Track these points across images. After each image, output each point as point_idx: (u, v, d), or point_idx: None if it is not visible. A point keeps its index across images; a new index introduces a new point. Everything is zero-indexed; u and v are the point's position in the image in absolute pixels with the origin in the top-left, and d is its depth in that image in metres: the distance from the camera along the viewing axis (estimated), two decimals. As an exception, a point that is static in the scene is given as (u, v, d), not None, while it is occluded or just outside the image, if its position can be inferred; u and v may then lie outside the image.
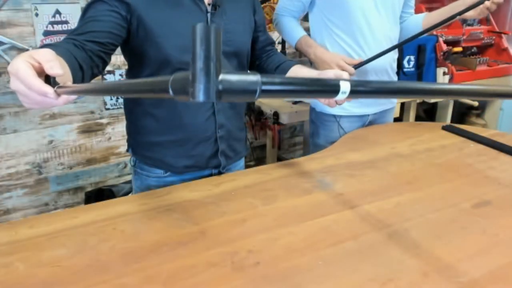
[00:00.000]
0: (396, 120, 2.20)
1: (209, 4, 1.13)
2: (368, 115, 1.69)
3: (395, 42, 1.64)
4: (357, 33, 1.55)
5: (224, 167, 1.28)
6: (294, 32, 1.64)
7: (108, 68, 2.18)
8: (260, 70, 1.40)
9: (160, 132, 1.21)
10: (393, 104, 1.79)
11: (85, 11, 1.05)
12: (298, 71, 1.29)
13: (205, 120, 1.20)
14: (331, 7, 1.55)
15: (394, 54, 1.68)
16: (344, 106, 1.59)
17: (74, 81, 0.86)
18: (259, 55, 1.36)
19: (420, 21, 1.68)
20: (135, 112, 1.23)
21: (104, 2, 1.03)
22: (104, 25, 1.02)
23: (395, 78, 1.75)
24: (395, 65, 1.71)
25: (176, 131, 1.20)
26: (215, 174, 1.27)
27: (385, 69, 1.64)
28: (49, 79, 0.73)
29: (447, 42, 2.73)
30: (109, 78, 2.34)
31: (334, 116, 1.65)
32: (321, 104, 1.45)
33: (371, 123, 1.72)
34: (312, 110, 1.76)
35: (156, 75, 1.12)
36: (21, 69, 0.69)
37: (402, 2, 1.63)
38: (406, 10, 1.70)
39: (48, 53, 0.72)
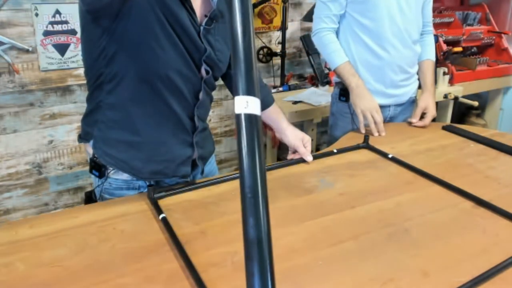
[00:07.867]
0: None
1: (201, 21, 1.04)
2: (389, 107, 1.72)
3: (417, 45, 1.68)
4: (382, 35, 1.57)
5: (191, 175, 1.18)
6: (337, 56, 1.62)
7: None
8: (230, 86, 1.32)
9: (133, 130, 1.05)
10: (413, 93, 1.78)
11: None
12: (273, 117, 1.31)
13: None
14: (360, 9, 1.57)
15: (411, 52, 1.66)
16: None
17: None
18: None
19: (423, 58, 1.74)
20: (110, 103, 1.04)
21: None
22: None
23: (414, 71, 1.74)
24: (413, 60, 1.71)
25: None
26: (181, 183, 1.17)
27: (400, 66, 1.65)
28: None
29: (447, 42, 2.73)
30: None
31: (349, 108, 1.67)
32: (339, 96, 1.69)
33: (392, 119, 1.75)
34: (334, 102, 1.78)
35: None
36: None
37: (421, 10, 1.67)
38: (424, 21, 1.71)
39: None
